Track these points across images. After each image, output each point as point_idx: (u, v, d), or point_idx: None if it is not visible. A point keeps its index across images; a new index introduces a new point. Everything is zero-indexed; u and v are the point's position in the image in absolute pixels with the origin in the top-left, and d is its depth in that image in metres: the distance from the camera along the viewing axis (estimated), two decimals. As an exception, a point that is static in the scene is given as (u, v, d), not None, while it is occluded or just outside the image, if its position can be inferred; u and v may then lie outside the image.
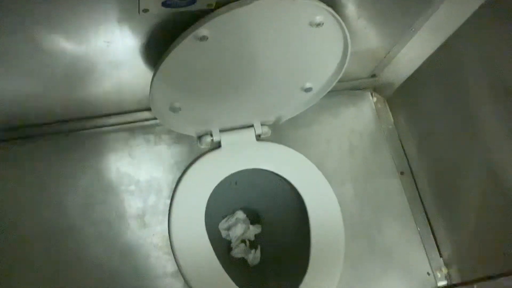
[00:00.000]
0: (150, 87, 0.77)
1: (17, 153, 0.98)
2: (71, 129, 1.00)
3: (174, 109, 0.87)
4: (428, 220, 1.07)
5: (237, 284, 0.94)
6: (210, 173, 0.99)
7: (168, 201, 0.97)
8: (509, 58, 0.78)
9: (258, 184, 1.10)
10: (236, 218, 1.14)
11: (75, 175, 0.97)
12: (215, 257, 0.93)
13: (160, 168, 1.02)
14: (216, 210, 1.12)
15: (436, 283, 1.03)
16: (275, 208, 1.13)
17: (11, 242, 0.92)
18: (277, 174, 1.01)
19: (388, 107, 1.16)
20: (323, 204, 1.00)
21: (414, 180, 1.10)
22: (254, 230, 1.14)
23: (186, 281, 0.92)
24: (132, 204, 0.98)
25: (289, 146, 1.03)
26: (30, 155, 0.98)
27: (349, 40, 0.79)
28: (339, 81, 0.87)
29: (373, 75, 1.12)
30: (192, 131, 0.99)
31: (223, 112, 0.94)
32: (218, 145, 1.02)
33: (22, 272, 0.91)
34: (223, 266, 0.96)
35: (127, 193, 0.99)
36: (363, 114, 1.14)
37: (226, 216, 1.15)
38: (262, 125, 1.02)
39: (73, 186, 0.97)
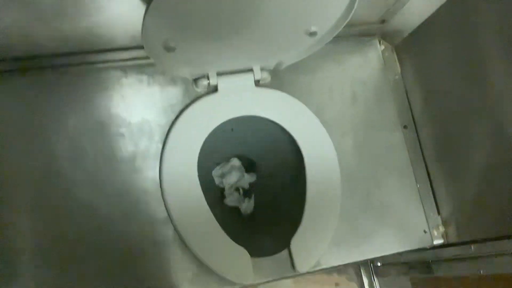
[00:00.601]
0: (143, 23, 0.72)
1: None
2: (59, 64, 0.94)
3: (168, 48, 0.81)
4: (429, 176, 1.05)
5: (229, 233, 0.93)
6: (205, 118, 0.95)
7: (160, 146, 0.95)
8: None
9: (255, 131, 1.06)
10: (231, 166, 1.12)
11: (62, 114, 0.93)
12: (206, 205, 0.91)
13: (153, 110, 0.98)
14: (211, 157, 1.09)
15: (432, 241, 1.02)
16: (271, 157, 1.11)
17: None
18: (274, 122, 0.98)
19: (395, 56, 1.10)
20: (320, 155, 0.97)
21: (417, 135, 1.06)
22: (248, 178, 1.12)
23: (176, 229, 0.91)
24: (123, 148, 0.95)
25: (289, 93, 0.99)
26: (14, 91, 0.94)
27: None
28: (346, 25, 0.82)
29: (383, 21, 1.06)
30: (187, 73, 0.95)
31: (221, 54, 0.89)
32: (214, 89, 0.97)
33: (5, 215, 0.89)
34: (215, 215, 0.94)
35: (117, 135, 0.95)
36: (369, 62, 1.08)
37: (220, 163, 1.13)
38: (261, 70, 0.97)
39: (61, 126, 0.92)
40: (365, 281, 1.34)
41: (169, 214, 0.90)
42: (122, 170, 0.94)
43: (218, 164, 1.12)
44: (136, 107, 0.97)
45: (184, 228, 0.90)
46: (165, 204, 0.90)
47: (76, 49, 0.93)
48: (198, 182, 0.92)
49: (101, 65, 0.97)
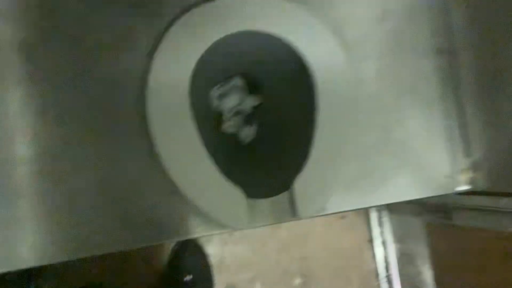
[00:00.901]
0: None
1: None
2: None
3: None
4: (462, 112, 0.89)
5: (223, 166, 0.82)
6: (201, 31, 0.80)
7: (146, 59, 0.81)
8: None
9: (262, 50, 0.90)
10: (232, 86, 0.98)
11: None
12: (195, 131, 0.79)
13: (139, 15, 0.82)
14: (208, 75, 0.96)
15: (456, 187, 0.89)
16: (279, 79, 0.96)
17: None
18: (285, 41, 0.83)
19: (439, -35, 0.90)
20: (335, 80, 0.82)
21: (455, 62, 0.89)
22: (252, 101, 0.98)
23: (158, 154, 0.79)
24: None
25: (305, 2, 0.83)
26: None
27: None
28: None
29: None
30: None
31: None
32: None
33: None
34: (209, 143, 0.82)
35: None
36: (405, -30, 0.89)
37: (220, 82, 0.99)
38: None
39: None
40: (374, 217, 1.24)
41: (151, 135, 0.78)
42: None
43: (217, 83, 0.99)
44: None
45: (168, 156, 0.78)
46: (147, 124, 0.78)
47: None
48: (188, 103, 0.78)
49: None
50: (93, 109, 0.78)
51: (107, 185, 0.78)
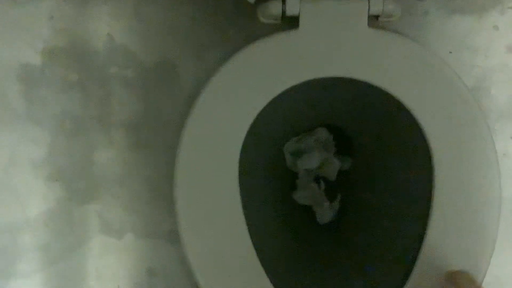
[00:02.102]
0: None
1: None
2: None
3: None
4: None
5: (290, 256, 0.60)
6: (271, 73, 0.58)
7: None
8: None
9: (358, 99, 0.67)
10: (315, 140, 0.75)
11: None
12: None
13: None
14: (284, 124, 0.74)
15: None
16: (379, 139, 0.71)
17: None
18: (393, 96, 0.58)
19: None
20: (467, 167, 0.57)
21: None
22: (338, 164, 0.74)
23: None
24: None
25: (430, 47, 0.57)
26: None
27: None
28: None
29: None
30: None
31: None
32: (294, 22, 0.58)
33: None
34: (274, 210, 0.66)
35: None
36: None
37: (299, 134, 0.76)
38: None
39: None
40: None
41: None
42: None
43: (296, 134, 0.76)
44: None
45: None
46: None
47: None
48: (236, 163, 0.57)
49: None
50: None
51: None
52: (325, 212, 0.72)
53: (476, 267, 0.56)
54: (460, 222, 0.57)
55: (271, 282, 0.56)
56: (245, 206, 0.58)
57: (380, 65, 0.57)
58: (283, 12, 0.57)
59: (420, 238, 0.58)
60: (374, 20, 0.57)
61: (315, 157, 0.74)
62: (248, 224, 0.57)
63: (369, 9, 0.56)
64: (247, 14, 0.63)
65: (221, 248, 0.56)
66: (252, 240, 0.57)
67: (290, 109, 0.70)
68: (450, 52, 0.60)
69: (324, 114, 0.74)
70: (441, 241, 0.57)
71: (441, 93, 0.58)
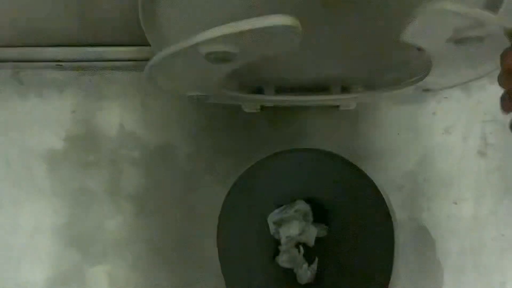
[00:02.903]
0: None
1: None
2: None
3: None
4: None
5: None
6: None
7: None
8: None
9: (333, 174, 0.80)
10: (296, 210, 0.87)
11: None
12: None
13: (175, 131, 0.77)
14: (268, 196, 0.86)
15: None
16: (352, 210, 0.82)
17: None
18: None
19: None
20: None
21: None
22: (316, 231, 0.85)
23: None
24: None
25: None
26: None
27: None
28: None
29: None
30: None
31: (284, 61, 0.64)
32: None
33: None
34: (259, 275, 0.76)
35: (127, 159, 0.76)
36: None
37: (282, 205, 0.87)
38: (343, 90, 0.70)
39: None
40: None
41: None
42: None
43: (278, 206, 0.88)
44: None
45: None
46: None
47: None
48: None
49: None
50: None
51: None
52: (304, 274, 0.82)
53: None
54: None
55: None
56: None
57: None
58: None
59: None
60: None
61: (295, 226, 0.85)
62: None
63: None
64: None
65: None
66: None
67: (273, 184, 0.83)
68: (398, 134, 0.73)
69: (302, 188, 0.87)
70: None
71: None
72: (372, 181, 0.71)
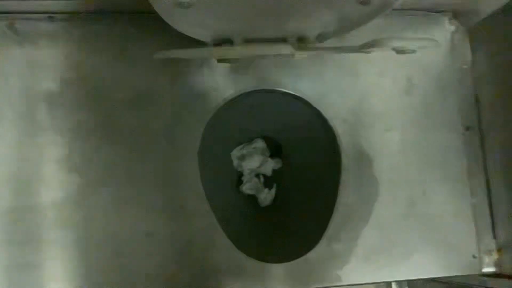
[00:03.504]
0: None
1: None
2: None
3: (182, 4, 0.71)
4: (489, 192, 0.91)
5: (241, 226, 0.87)
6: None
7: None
8: None
9: (285, 111, 0.97)
10: (254, 147, 1.03)
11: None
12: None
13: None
14: (230, 135, 1.02)
15: (481, 268, 0.90)
16: (303, 143, 1.00)
17: None
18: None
19: (468, 41, 0.95)
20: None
21: (482, 140, 0.92)
22: (272, 164, 1.02)
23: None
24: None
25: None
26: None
27: None
28: None
29: (457, -6, 0.91)
30: (206, 36, 0.84)
31: (249, 17, 0.78)
32: (237, 58, 0.86)
33: None
34: (228, 202, 0.91)
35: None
36: (434, 44, 0.94)
37: (242, 143, 1.03)
38: (299, 41, 0.86)
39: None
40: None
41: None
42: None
43: (239, 143, 1.03)
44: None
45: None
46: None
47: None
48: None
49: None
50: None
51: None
52: (265, 197, 0.99)
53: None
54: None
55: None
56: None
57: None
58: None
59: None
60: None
61: (255, 160, 1.02)
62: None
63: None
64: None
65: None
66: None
67: (235, 124, 0.99)
68: (342, 77, 0.90)
69: (260, 128, 1.03)
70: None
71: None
72: (322, 114, 0.89)
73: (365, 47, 0.59)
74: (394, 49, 0.60)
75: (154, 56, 0.72)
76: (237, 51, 0.81)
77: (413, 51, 0.61)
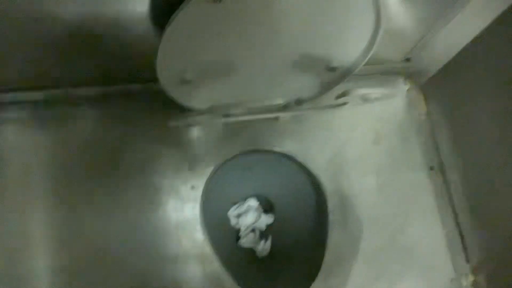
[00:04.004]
0: (157, 57, 0.77)
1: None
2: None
3: (184, 81, 0.86)
4: (457, 221, 1.05)
5: (242, 275, 0.97)
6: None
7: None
8: None
9: (273, 169, 1.12)
10: (248, 206, 1.15)
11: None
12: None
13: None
14: (226, 195, 1.14)
15: (460, 291, 1.02)
16: (291, 198, 1.14)
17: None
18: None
19: (422, 96, 1.13)
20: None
21: (445, 177, 1.08)
22: (266, 219, 1.14)
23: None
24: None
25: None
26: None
27: (381, 10, 0.75)
28: (369, 64, 0.86)
29: (408, 59, 1.10)
30: (203, 106, 0.98)
31: (238, 87, 0.93)
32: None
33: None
34: (229, 256, 1.00)
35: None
36: (394, 101, 1.11)
37: (237, 202, 1.16)
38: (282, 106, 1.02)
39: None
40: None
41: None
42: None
43: (234, 203, 1.16)
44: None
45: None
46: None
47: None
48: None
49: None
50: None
51: None
52: (262, 249, 1.11)
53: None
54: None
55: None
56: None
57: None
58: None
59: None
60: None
61: (249, 217, 1.14)
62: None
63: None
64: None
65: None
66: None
67: (230, 185, 1.12)
68: (321, 133, 1.07)
69: (252, 187, 1.17)
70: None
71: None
72: (306, 166, 1.03)
73: (339, 97, 0.74)
74: (362, 97, 0.75)
75: (169, 125, 0.87)
76: (231, 117, 0.97)
77: (377, 99, 0.77)
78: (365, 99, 0.77)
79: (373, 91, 0.74)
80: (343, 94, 0.72)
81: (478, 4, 0.87)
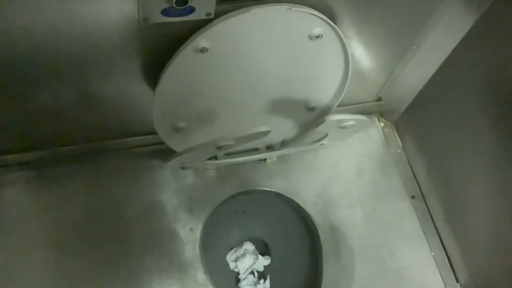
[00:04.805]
0: (153, 110, 0.87)
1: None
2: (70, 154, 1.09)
3: (178, 129, 0.94)
4: (442, 243, 1.13)
5: None
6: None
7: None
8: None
9: (266, 210, 1.21)
10: (245, 250, 1.22)
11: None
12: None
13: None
14: (223, 240, 1.21)
15: (453, 309, 1.08)
16: (285, 236, 1.22)
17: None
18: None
19: (395, 131, 1.24)
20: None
21: (426, 203, 1.17)
22: (263, 261, 1.21)
23: None
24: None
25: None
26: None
27: (349, 55, 0.86)
28: (345, 104, 0.96)
29: (379, 99, 1.21)
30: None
31: (226, 130, 1.00)
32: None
33: None
34: None
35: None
36: (371, 138, 1.22)
37: (234, 247, 1.23)
38: (267, 149, 1.11)
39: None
40: None
41: None
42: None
43: (232, 248, 1.23)
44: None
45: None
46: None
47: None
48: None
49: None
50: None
51: None
52: (261, 290, 1.18)
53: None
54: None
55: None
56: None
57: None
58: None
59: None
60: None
61: (247, 260, 1.21)
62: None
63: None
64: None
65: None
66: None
67: (226, 230, 1.20)
68: (305, 172, 1.17)
69: (247, 231, 1.24)
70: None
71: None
72: (296, 202, 1.12)
73: (317, 125, 0.84)
74: (338, 123, 0.86)
75: (165, 166, 0.96)
76: (223, 161, 1.06)
77: (352, 126, 0.88)
78: (342, 127, 0.87)
79: (348, 117, 0.84)
80: (322, 121, 0.82)
81: (436, 39, 0.99)
